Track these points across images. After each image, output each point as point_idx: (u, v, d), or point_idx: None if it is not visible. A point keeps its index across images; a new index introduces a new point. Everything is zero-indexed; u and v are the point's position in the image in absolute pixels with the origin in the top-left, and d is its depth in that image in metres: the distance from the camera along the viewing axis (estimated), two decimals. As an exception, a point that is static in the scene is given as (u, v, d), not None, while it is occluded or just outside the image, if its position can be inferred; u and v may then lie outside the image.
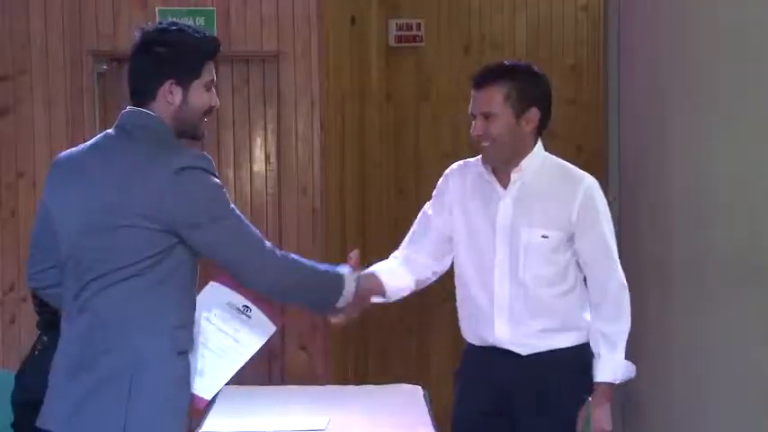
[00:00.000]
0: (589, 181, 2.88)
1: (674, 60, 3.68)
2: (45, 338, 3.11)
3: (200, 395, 2.60)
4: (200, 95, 2.52)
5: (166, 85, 2.48)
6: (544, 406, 2.84)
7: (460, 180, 3.00)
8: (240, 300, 2.67)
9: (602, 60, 4.92)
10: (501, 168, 2.90)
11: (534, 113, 2.86)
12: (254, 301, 2.68)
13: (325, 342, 5.04)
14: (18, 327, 4.83)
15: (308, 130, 5.01)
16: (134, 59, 2.54)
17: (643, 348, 3.99)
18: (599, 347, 2.84)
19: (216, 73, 2.59)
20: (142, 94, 2.51)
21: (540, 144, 2.93)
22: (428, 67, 5.99)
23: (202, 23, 4.88)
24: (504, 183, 2.89)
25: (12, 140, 4.89)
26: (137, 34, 2.56)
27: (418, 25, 5.96)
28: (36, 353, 3.23)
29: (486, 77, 2.86)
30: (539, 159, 2.89)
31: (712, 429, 3.40)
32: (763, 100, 3.22)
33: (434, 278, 3.10)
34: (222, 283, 2.65)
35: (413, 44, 5.96)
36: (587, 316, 2.91)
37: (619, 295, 2.87)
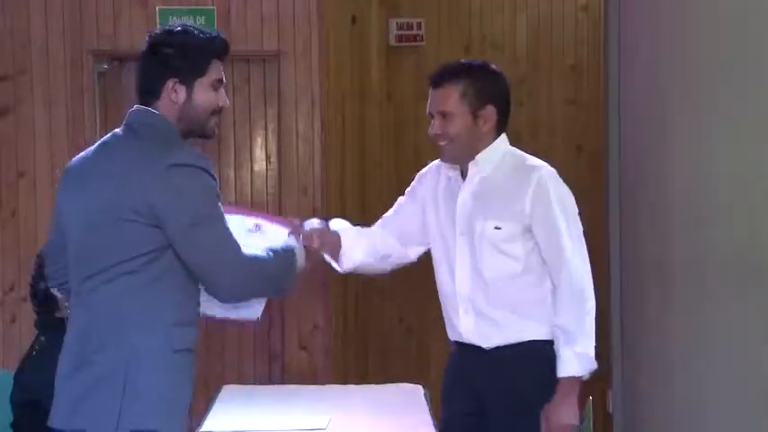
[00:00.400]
0: (544, 171, 2.86)
1: (674, 60, 3.68)
2: (43, 338, 3.11)
3: (247, 318, 2.76)
4: (204, 94, 2.53)
5: (170, 83, 2.51)
6: (513, 405, 2.83)
7: (435, 178, 3.03)
8: (250, 221, 2.78)
9: (603, 60, 4.91)
10: (464, 165, 2.92)
11: (491, 111, 2.86)
12: (264, 217, 2.82)
13: (325, 341, 5.05)
14: (18, 326, 4.83)
15: (309, 129, 5.01)
16: (141, 61, 2.59)
17: (643, 348, 3.99)
18: (558, 342, 2.81)
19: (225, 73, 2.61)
20: (148, 92, 2.54)
21: (502, 138, 2.93)
22: (429, 67, 5.92)
23: (203, 23, 4.88)
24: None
25: (12, 140, 4.89)
26: (147, 38, 2.60)
27: (419, 25, 5.96)
28: (34, 353, 3.23)
29: (442, 76, 2.87)
30: (498, 153, 2.90)
31: (712, 429, 3.40)
32: (764, 100, 3.22)
33: (395, 262, 3.13)
34: (229, 212, 2.68)
35: (413, 44, 5.96)
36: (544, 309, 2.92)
37: (573, 285, 2.81)
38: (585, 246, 2.90)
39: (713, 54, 3.41)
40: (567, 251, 2.81)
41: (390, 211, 3.19)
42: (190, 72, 2.51)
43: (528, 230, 2.83)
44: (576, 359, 2.78)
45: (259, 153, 5.16)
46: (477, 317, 2.87)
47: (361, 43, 5.83)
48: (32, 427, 3.05)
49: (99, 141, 2.63)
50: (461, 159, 2.90)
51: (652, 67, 3.89)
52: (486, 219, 2.83)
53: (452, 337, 3.00)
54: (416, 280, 6.20)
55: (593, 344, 2.83)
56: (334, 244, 3.00)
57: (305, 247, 2.80)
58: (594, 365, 2.83)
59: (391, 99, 6.00)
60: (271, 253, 2.60)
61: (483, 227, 2.83)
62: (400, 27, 5.96)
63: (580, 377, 2.81)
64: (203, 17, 4.92)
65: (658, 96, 3.83)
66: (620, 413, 4.33)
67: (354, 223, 3.19)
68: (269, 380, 5.04)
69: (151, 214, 2.39)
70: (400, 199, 3.17)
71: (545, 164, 2.91)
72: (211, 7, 4.94)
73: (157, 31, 2.59)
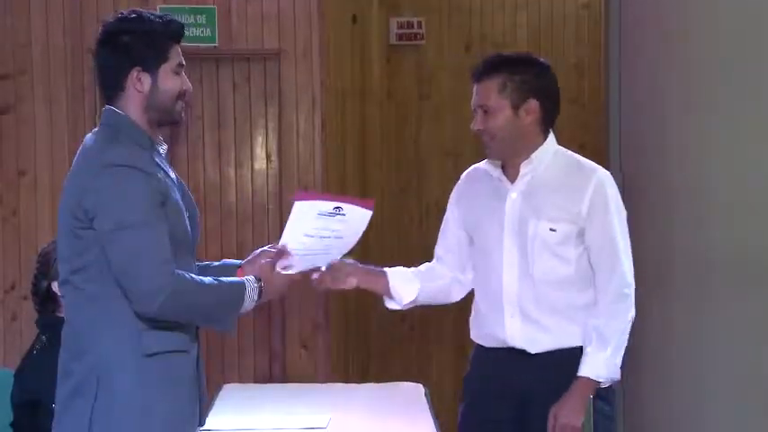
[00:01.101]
0: (601, 173, 2.79)
1: (675, 59, 3.68)
2: (44, 338, 3.10)
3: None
4: (170, 79, 2.44)
5: (134, 73, 2.42)
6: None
7: (470, 183, 2.94)
8: (328, 205, 2.70)
9: (604, 59, 4.91)
10: (510, 163, 2.82)
11: (533, 105, 2.76)
12: (341, 200, 2.73)
13: (326, 340, 5.05)
14: (20, 325, 4.83)
15: (309, 128, 5.01)
16: (98, 54, 2.48)
17: (644, 349, 3.99)
18: (588, 341, 2.74)
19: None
20: (111, 87, 2.45)
21: (551, 137, 2.84)
22: (429, 66, 5.99)
23: (203, 21, 4.88)
24: (513, 177, 2.81)
25: (13, 139, 4.89)
26: (99, 28, 2.50)
27: (419, 23, 5.96)
28: (35, 352, 3.23)
29: (482, 70, 2.78)
30: (550, 153, 2.81)
31: (713, 429, 3.40)
32: (764, 99, 3.23)
33: (461, 289, 2.99)
34: (303, 198, 2.69)
35: (414, 42, 5.96)
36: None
37: (619, 293, 2.76)
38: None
39: (714, 53, 3.41)
40: (620, 261, 2.77)
41: (439, 237, 3.04)
42: (153, 59, 2.42)
43: (581, 234, 2.75)
44: (603, 363, 2.72)
45: (260, 152, 5.16)
46: (525, 321, 2.77)
47: (362, 42, 5.83)
48: (32, 427, 3.05)
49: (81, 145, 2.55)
50: (508, 155, 2.80)
51: (653, 66, 3.89)
52: (539, 219, 2.74)
53: (488, 343, 2.87)
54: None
55: (623, 355, 2.78)
56: (379, 283, 2.93)
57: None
58: (618, 376, 2.78)
59: (392, 98, 6.00)
60: (215, 282, 2.45)
61: (536, 228, 2.73)
62: (401, 26, 5.96)
63: (599, 382, 2.74)
64: (204, 16, 4.92)
65: (659, 95, 3.83)
66: (622, 414, 4.33)
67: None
68: (269, 379, 5.03)
69: (87, 218, 2.34)
70: (445, 220, 3.02)
71: (600, 166, 2.83)
72: (212, 6, 4.93)
73: (110, 20, 2.49)
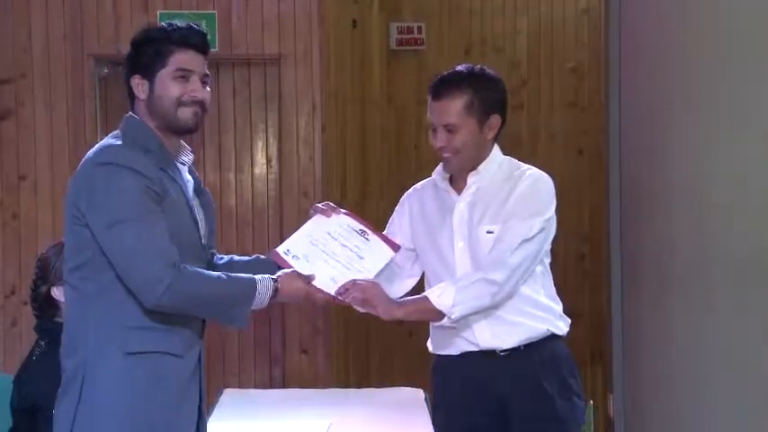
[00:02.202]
0: (533, 172, 2.82)
1: (675, 63, 3.68)
2: (43, 343, 3.09)
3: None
4: (167, 85, 2.44)
5: (135, 80, 2.47)
6: (537, 404, 2.78)
7: (418, 198, 2.94)
8: (358, 224, 2.76)
9: (604, 63, 4.91)
10: (459, 175, 2.86)
11: (496, 120, 2.79)
12: (371, 229, 2.78)
13: (326, 345, 5.04)
14: (20, 330, 4.83)
15: (310, 132, 5.01)
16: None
17: (644, 351, 3.98)
18: (451, 282, 2.74)
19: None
20: (129, 96, 2.52)
21: (496, 148, 2.86)
22: (429, 71, 5.96)
23: (204, 27, 4.87)
24: (460, 188, 2.85)
25: (13, 143, 4.89)
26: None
27: (419, 28, 5.96)
28: (34, 358, 3.21)
29: (443, 87, 2.76)
30: (496, 163, 2.84)
31: (713, 430, 3.39)
32: (764, 103, 3.22)
33: (407, 281, 2.98)
34: (338, 212, 2.73)
35: (414, 47, 5.96)
36: (556, 307, 2.86)
37: (490, 280, 2.71)
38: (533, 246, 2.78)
39: (714, 56, 3.41)
40: (515, 252, 2.73)
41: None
42: (150, 65, 2.45)
43: None
44: (443, 297, 2.71)
45: (260, 156, 5.16)
46: (491, 321, 2.79)
47: (362, 47, 5.83)
48: (31, 433, 3.04)
49: None
50: (466, 169, 2.83)
51: (653, 70, 3.89)
52: (480, 225, 2.80)
53: (453, 351, 2.86)
54: (418, 284, 6.21)
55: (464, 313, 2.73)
56: (379, 295, 2.81)
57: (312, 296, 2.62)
58: (450, 316, 2.71)
59: (392, 103, 6.00)
60: (223, 276, 2.44)
61: (478, 233, 2.79)
62: (401, 31, 5.96)
63: (438, 309, 2.71)
64: (204, 21, 4.92)
65: (659, 99, 3.83)
66: (622, 417, 4.32)
67: None
68: (270, 383, 5.03)
69: (82, 217, 2.36)
70: (391, 223, 3.04)
71: (537, 169, 2.84)
72: (212, 11, 4.94)
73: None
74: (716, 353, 3.37)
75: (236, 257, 2.75)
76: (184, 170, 2.54)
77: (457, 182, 2.87)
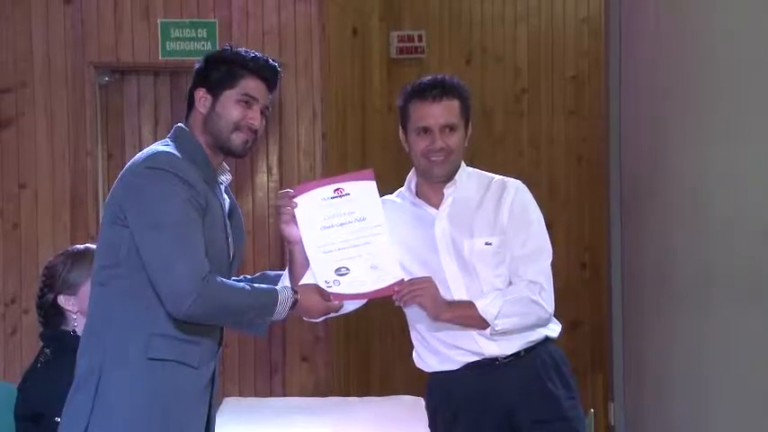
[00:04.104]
0: (513, 182, 2.87)
1: (675, 71, 3.68)
2: (48, 351, 3.10)
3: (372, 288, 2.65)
4: (230, 106, 2.51)
5: (200, 91, 2.53)
6: (546, 407, 2.78)
7: (389, 213, 2.77)
8: (327, 189, 2.63)
9: (604, 71, 4.93)
10: (430, 186, 2.85)
11: (470, 128, 2.87)
12: (337, 180, 2.66)
13: (326, 353, 5.04)
14: (20, 339, 4.83)
15: (310, 141, 5.02)
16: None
17: (645, 361, 3.98)
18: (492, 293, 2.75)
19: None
20: (187, 102, 2.58)
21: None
22: (430, 79, 5.99)
23: (204, 35, 4.89)
24: (435, 202, 2.84)
25: (14, 152, 4.90)
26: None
27: (420, 37, 5.97)
28: (39, 365, 3.22)
29: (444, 89, 2.81)
30: (466, 173, 2.88)
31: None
32: (766, 112, 3.23)
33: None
34: (301, 192, 2.63)
35: (414, 56, 5.97)
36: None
37: (532, 299, 2.75)
38: None
39: (715, 65, 3.42)
40: (541, 264, 2.81)
41: None
42: (217, 82, 2.51)
43: (505, 243, 2.80)
44: (490, 307, 2.73)
45: (260, 165, 5.17)
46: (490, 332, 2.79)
47: (363, 55, 5.85)
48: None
49: None
50: (451, 174, 2.83)
51: (653, 78, 3.90)
52: (472, 237, 2.78)
53: (453, 365, 2.84)
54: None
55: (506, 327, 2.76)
56: (432, 293, 2.78)
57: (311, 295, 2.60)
58: (493, 323, 2.73)
59: (393, 111, 5.99)
60: (247, 286, 2.48)
61: (472, 246, 2.78)
62: (401, 39, 5.98)
63: (483, 319, 2.73)
64: (205, 30, 4.94)
65: (660, 107, 3.84)
66: (622, 426, 4.33)
67: None
68: (270, 392, 5.03)
69: (124, 215, 2.40)
70: None
71: (509, 178, 2.90)
72: (213, 20, 4.95)
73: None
74: (717, 361, 3.37)
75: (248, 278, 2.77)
76: (222, 189, 2.58)
77: (428, 195, 2.86)
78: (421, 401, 3.68)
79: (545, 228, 2.85)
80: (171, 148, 2.47)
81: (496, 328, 2.73)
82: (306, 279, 2.65)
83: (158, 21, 4.91)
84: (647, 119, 4.00)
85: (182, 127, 2.55)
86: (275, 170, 5.14)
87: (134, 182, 2.40)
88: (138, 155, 2.49)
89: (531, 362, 2.80)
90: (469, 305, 2.75)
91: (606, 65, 4.67)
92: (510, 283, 2.80)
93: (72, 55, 4.90)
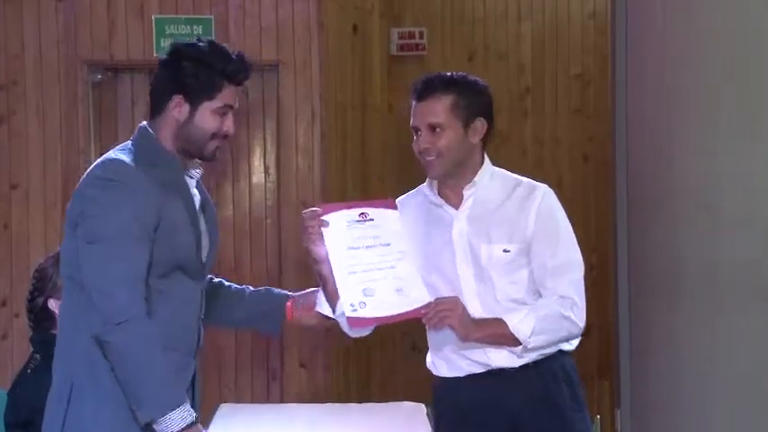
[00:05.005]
0: (542, 188, 2.82)
1: (683, 68, 3.69)
2: (38, 356, 3.10)
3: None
4: (208, 118, 2.49)
5: (176, 98, 2.48)
6: (552, 420, 2.77)
7: (408, 211, 2.86)
8: (353, 212, 2.69)
9: (610, 69, 4.93)
10: (448, 186, 2.83)
11: (480, 124, 2.80)
12: (364, 205, 2.73)
13: (325, 358, 5.04)
14: (11, 343, 4.83)
15: (309, 141, 5.03)
16: (157, 70, 2.56)
17: (651, 365, 3.98)
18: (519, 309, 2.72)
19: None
20: (155, 105, 2.54)
21: (487, 158, 2.86)
22: (432, 77, 6.00)
23: (200, 32, 4.90)
24: (455, 202, 2.82)
25: (5, 151, 4.91)
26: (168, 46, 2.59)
27: (421, 34, 5.98)
28: (29, 371, 3.23)
29: (430, 88, 2.78)
30: (488, 174, 2.83)
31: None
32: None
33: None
34: (329, 211, 2.66)
35: (416, 53, 5.98)
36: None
37: (564, 314, 2.72)
38: None
39: (724, 62, 3.42)
40: (572, 275, 2.77)
41: None
42: (197, 93, 2.48)
43: (528, 251, 2.76)
44: (525, 317, 2.70)
45: (257, 165, 5.17)
46: None
47: (363, 53, 5.84)
48: (24, 447, 3.05)
49: None
50: (450, 175, 2.81)
51: (661, 75, 3.91)
52: (491, 243, 2.74)
53: (459, 372, 2.83)
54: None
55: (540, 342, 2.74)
56: (460, 313, 2.76)
57: None
58: (526, 342, 2.71)
59: (393, 110, 6.01)
60: (162, 364, 2.37)
61: (489, 252, 2.74)
62: (402, 36, 5.98)
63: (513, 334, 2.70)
64: (200, 27, 4.94)
65: (668, 105, 3.84)
66: (629, 428, 4.33)
67: None
68: (267, 398, 5.03)
69: (75, 225, 2.40)
70: None
71: (539, 183, 2.84)
72: (209, 16, 4.95)
73: (181, 42, 2.58)
74: (726, 367, 3.37)
75: (250, 288, 2.80)
76: (192, 183, 2.57)
77: (448, 195, 2.84)
78: (422, 408, 3.69)
79: (574, 236, 2.80)
80: (126, 154, 2.45)
81: (528, 346, 2.70)
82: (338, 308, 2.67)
83: (153, 17, 4.92)
84: (654, 117, 4.00)
85: (146, 129, 2.52)
86: (273, 171, 5.14)
87: (84, 191, 2.41)
88: (96, 161, 2.49)
89: (541, 373, 2.78)
90: (499, 323, 2.70)
91: (613, 62, 4.67)
92: (538, 294, 2.75)
93: (64, 52, 4.91)
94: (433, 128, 2.77)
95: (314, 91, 5.01)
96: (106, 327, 2.34)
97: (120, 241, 2.35)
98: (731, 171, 3.37)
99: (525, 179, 2.86)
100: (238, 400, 4.88)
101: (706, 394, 3.49)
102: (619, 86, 4.48)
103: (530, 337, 2.68)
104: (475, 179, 2.80)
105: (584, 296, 2.78)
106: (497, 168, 2.88)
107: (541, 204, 2.77)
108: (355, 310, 2.62)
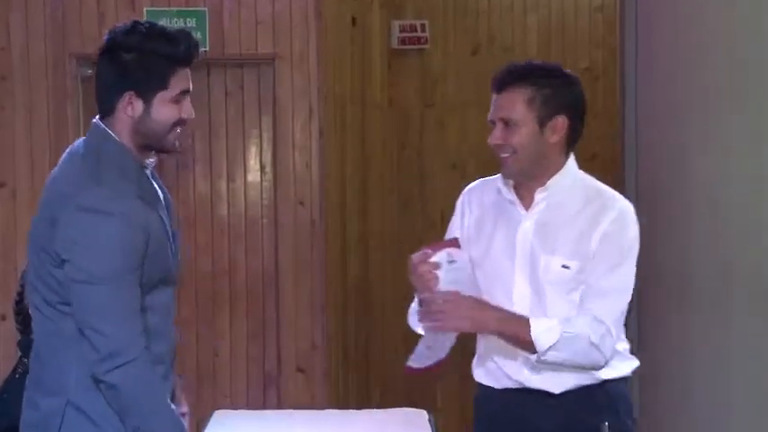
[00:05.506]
0: (621, 206, 2.66)
1: (694, 63, 3.68)
2: (26, 360, 3.09)
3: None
4: (165, 109, 2.39)
5: (126, 96, 2.37)
6: None
7: (479, 198, 2.80)
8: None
9: (619, 63, 4.91)
10: (524, 186, 2.70)
11: (561, 122, 2.63)
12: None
13: (324, 363, 5.03)
14: (-3, 347, 4.82)
15: (306, 138, 5.01)
16: (98, 65, 2.43)
17: (662, 368, 3.97)
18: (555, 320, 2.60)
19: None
20: (104, 105, 2.42)
21: (572, 160, 2.71)
22: (433, 71, 5.99)
23: (193, 25, 4.88)
24: (527, 203, 2.69)
25: (-9, 149, 4.89)
26: (105, 35, 2.45)
27: (423, 26, 5.96)
28: (17, 376, 3.23)
29: (507, 79, 2.64)
30: (569, 178, 2.69)
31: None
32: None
33: None
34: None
35: (417, 46, 5.96)
36: (619, 346, 2.69)
37: (593, 342, 2.57)
38: None
39: (736, 56, 3.41)
40: (613, 310, 2.62)
41: None
42: (150, 85, 2.36)
43: (584, 270, 2.62)
44: (546, 327, 2.58)
45: (253, 163, 5.16)
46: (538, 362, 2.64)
47: (362, 46, 5.83)
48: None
49: (66, 152, 2.51)
50: (526, 176, 2.67)
51: (672, 69, 3.90)
52: (552, 254, 2.62)
53: (493, 383, 2.77)
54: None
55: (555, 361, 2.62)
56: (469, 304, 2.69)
57: None
58: (540, 349, 2.58)
59: (394, 105, 6.00)
60: (168, 398, 2.42)
61: (548, 264, 2.62)
62: (403, 29, 5.96)
63: (528, 339, 2.58)
64: (194, 19, 4.92)
65: (678, 101, 3.83)
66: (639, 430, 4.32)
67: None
68: (263, 404, 5.02)
69: (58, 259, 2.32)
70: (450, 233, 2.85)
71: (622, 198, 2.70)
72: (203, 9, 4.94)
73: (116, 30, 2.42)
74: (738, 367, 3.36)
75: None
76: (149, 176, 2.48)
77: (522, 193, 2.71)
78: (424, 414, 3.67)
79: (634, 267, 2.64)
80: (91, 165, 2.35)
81: (542, 357, 2.57)
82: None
83: (144, 9, 4.90)
84: (664, 115, 3.99)
85: (104, 131, 2.40)
86: (269, 169, 5.13)
87: (68, 225, 2.29)
88: (69, 176, 2.37)
89: (583, 399, 2.66)
90: (522, 325, 2.58)
91: (621, 57, 4.66)
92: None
93: (52, 46, 4.89)
94: (506, 123, 2.63)
95: (311, 86, 4.99)
96: (104, 366, 2.30)
97: (118, 282, 2.30)
98: (745, 168, 3.35)
99: (608, 191, 2.71)
100: (234, 406, 4.86)
101: (718, 395, 3.48)
102: (628, 83, 4.48)
103: (547, 351, 2.56)
104: (549, 182, 2.67)
105: (621, 329, 2.64)
106: (584, 175, 2.74)
107: (612, 225, 2.61)
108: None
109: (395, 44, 5.97)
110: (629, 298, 2.65)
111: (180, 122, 2.43)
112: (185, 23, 4.90)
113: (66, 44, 4.90)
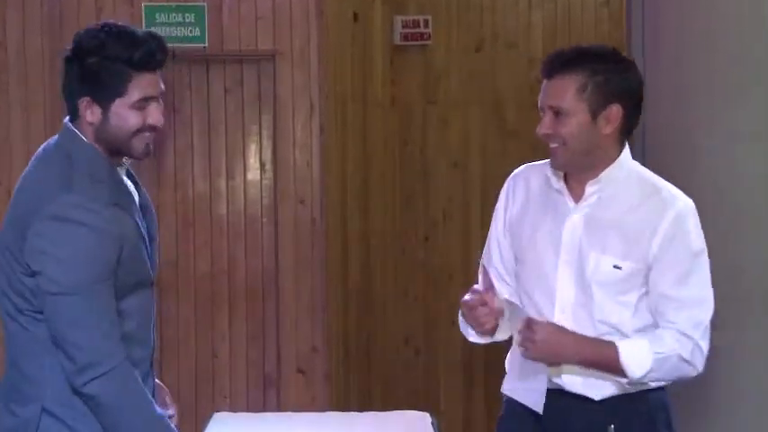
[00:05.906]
0: (683, 203, 2.55)
1: (701, 58, 3.69)
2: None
3: None
4: (124, 116, 2.35)
5: (84, 101, 2.35)
6: None
7: (525, 185, 2.70)
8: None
9: (625, 60, 4.91)
10: (574, 176, 2.59)
11: (615, 111, 2.51)
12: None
13: (324, 364, 5.04)
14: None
15: (307, 135, 5.02)
16: (64, 69, 2.42)
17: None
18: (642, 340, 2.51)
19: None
20: (69, 108, 2.41)
21: (626, 152, 2.59)
22: (436, 68, 5.99)
23: (192, 20, 4.89)
24: (577, 195, 2.58)
25: (-14, 146, 4.90)
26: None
27: (425, 22, 5.97)
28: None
29: (557, 64, 2.53)
30: (623, 171, 2.57)
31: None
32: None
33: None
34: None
35: (420, 42, 5.96)
36: None
37: (682, 357, 2.50)
38: None
39: (743, 50, 3.42)
40: (694, 311, 2.52)
41: (486, 250, 2.78)
42: (104, 92, 2.33)
43: (647, 274, 2.52)
44: (639, 350, 2.49)
45: (253, 161, 5.17)
46: (584, 371, 2.56)
47: (364, 42, 5.84)
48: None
49: (40, 149, 2.50)
50: (576, 168, 2.56)
51: (680, 70, 3.90)
52: (602, 253, 2.51)
53: (523, 400, 2.68)
54: (423, 296, 6.21)
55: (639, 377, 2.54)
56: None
57: None
58: (632, 376, 2.52)
59: (396, 102, 6.00)
60: (152, 401, 2.40)
61: (597, 263, 2.52)
62: (405, 25, 5.97)
63: (619, 362, 2.49)
64: (192, 14, 4.93)
65: (685, 98, 3.84)
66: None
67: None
68: (263, 406, 5.03)
69: (29, 269, 2.29)
70: (492, 229, 2.77)
71: (681, 193, 2.58)
72: (201, 3, 4.94)
73: (84, 32, 2.39)
74: (753, 368, 3.37)
75: None
76: (122, 172, 2.47)
77: (572, 184, 2.61)
78: (426, 417, 3.68)
79: (708, 269, 2.55)
80: (63, 168, 2.33)
81: (635, 379, 2.50)
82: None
83: (142, 4, 4.91)
84: (672, 113, 4.00)
85: (75, 135, 2.38)
86: (269, 167, 5.13)
87: (39, 234, 2.27)
88: (43, 180, 2.35)
89: (620, 407, 2.57)
90: (608, 348, 2.49)
91: (628, 52, 4.66)
92: (642, 324, 2.53)
93: (49, 42, 4.90)
94: (555, 111, 2.52)
95: (312, 82, 5.00)
96: (82, 378, 2.29)
97: (90, 292, 2.28)
98: (754, 164, 3.36)
99: (667, 187, 2.59)
100: (233, 408, 4.87)
101: (734, 396, 3.49)
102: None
103: (646, 375, 2.49)
104: (602, 175, 2.55)
105: (708, 341, 2.53)
106: (640, 168, 2.63)
107: (673, 225, 2.50)
108: None
109: (397, 40, 5.97)
110: (711, 308, 2.54)
111: (145, 129, 2.39)
112: (183, 18, 4.91)
113: (62, 40, 4.89)
